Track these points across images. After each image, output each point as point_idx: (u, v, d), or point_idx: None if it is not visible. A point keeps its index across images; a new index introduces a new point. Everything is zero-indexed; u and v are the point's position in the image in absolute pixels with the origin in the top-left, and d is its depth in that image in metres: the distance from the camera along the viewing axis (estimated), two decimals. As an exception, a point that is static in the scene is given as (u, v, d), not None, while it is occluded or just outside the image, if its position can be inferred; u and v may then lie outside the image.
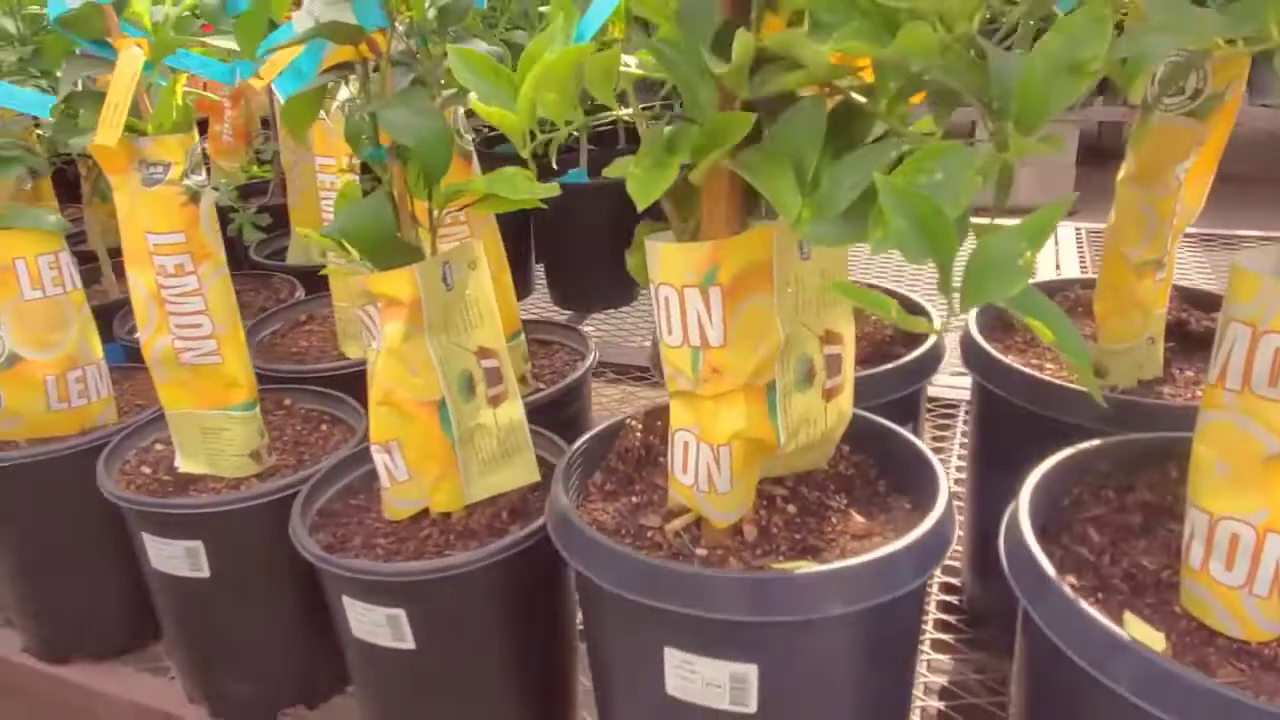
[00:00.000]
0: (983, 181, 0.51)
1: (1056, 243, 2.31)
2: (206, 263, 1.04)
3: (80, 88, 1.06)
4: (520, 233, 2.33)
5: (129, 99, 0.92)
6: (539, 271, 2.40)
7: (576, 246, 2.25)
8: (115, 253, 1.68)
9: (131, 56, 0.93)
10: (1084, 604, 0.63)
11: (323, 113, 1.35)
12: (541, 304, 2.36)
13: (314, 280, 1.68)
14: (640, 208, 0.64)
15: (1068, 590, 0.64)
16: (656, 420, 0.98)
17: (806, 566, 0.75)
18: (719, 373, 0.75)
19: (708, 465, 0.78)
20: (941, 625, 1.21)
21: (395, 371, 0.92)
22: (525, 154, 0.63)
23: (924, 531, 0.71)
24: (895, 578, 0.69)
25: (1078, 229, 2.41)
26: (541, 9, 1.88)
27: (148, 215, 1.00)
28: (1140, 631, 0.67)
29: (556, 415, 1.21)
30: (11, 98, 1.04)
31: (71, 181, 1.90)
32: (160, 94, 0.96)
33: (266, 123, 2.30)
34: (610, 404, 1.81)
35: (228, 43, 1.03)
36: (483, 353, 0.97)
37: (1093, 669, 0.60)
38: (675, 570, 0.72)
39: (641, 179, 0.65)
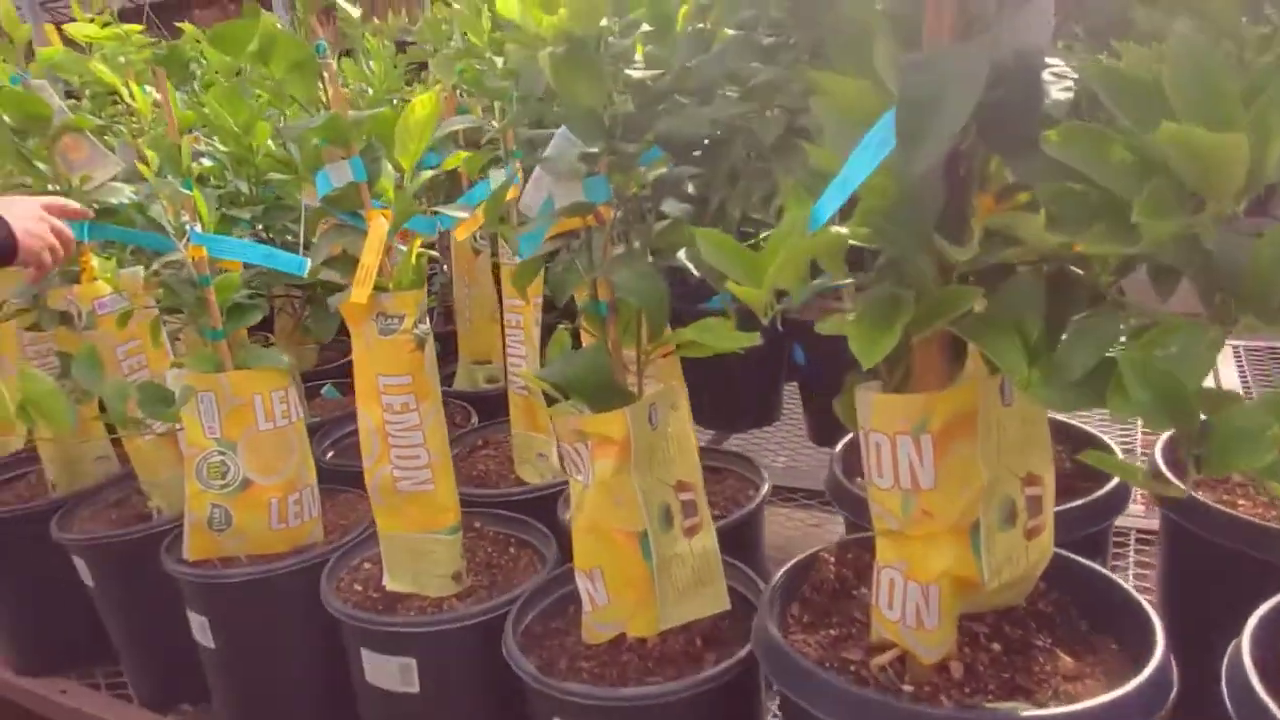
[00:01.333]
0: (1215, 359, 0.55)
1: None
2: (427, 401, 1.15)
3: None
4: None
5: (377, 262, 1.06)
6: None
7: (721, 367, 2.31)
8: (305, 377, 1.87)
9: (380, 226, 1.07)
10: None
11: (509, 258, 1.49)
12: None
13: (485, 406, 1.80)
14: (865, 367, 0.71)
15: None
16: (848, 553, 1.02)
17: (1023, 708, 0.77)
18: (929, 514, 0.80)
19: (916, 602, 0.82)
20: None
21: (603, 504, 1.00)
22: (765, 320, 0.71)
23: (1148, 677, 0.72)
24: (1121, 724, 0.71)
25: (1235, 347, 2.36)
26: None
27: (381, 360, 1.12)
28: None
29: (732, 543, 1.25)
30: (273, 259, 1.20)
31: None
32: (401, 257, 1.10)
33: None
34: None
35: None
36: (681, 486, 1.04)
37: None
38: (898, 707, 0.75)
39: (865, 340, 0.71)
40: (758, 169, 0.88)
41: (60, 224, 1.21)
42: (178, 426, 1.25)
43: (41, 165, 1.39)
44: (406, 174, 1.12)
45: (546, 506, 1.37)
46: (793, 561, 0.98)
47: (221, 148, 1.64)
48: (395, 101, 2.27)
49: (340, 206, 1.08)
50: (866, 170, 0.66)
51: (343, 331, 1.71)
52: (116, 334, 1.44)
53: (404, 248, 1.12)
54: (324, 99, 1.09)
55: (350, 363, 2.26)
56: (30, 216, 1.15)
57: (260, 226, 1.64)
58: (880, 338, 0.71)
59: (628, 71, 0.93)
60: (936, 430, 0.77)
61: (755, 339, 0.95)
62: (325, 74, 1.04)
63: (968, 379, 0.80)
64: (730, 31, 1.00)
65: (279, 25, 1.04)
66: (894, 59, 0.67)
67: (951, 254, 0.64)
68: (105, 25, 2.20)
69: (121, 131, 1.80)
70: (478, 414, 1.82)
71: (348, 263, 1.10)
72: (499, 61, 1.39)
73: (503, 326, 1.51)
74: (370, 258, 1.05)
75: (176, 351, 1.58)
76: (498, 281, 1.90)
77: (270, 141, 1.63)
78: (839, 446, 1.34)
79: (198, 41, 2.33)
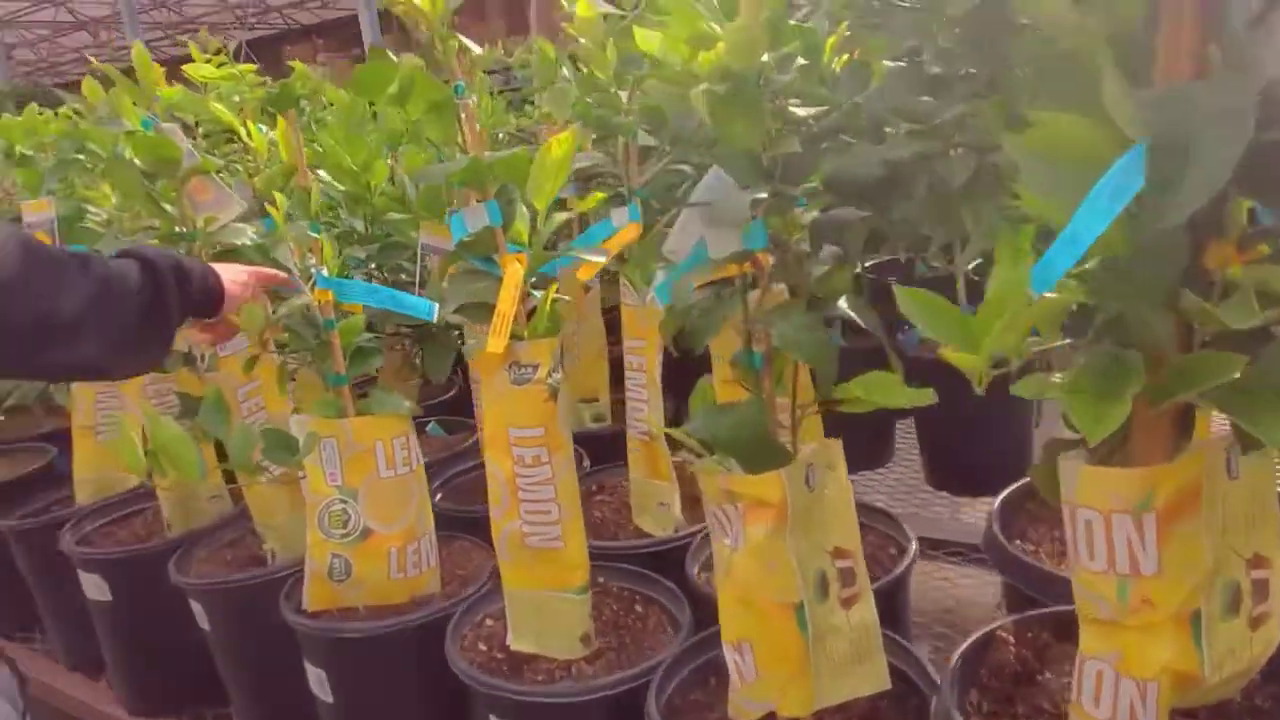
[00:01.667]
0: None
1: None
2: (560, 454, 1.10)
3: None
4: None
5: (514, 310, 1.01)
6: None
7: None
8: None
9: (515, 272, 1.03)
10: None
11: (633, 299, 1.44)
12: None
13: (594, 447, 1.75)
14: (1092, 442, 0.63)
15: None
16: (1027, 632, 0.93)
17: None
18: (1149, 603, 0.70)
19: (1130, 700, 0.72)
20: None
21: (754, 571, 0.93)
22: (980, 389, 0.63)
23: None
24: None
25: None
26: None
27: (513, 411, 1.08)
28: None
29: (878, 610, 1.17)
30: (400, 303, 1.17)
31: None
32: (539, 303, 1.05)
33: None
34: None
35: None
36: (838, 553, 0.96)
37: None
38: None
39: (1089, 412, 0.63)
40: (938, 213, 0.81)
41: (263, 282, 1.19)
42: (300, 475, 1.23)
43: (169, 207, 1.39)
44: (540, 216, 1.08)
45: (673, 560, 1.30)
46: (968, 642, 0.89)
47: (338, 186, 1.63)
48: (501, 136, 2.26)
49: (473, 251, 1.04)
50: (1101, 224, 0.58)
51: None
52: (238, 376, 1.43)
53: (538, 293, 1.07)
54: (460, 140, 1.05)
55: (454, 399, 2.28)
56: (238, 279, 1.12)
57: (373, 265, 1.63)
58: (1109, 409, 0.63)
59: (791, 109, 0.86)
60: (1160, 508, 0.68)
61: (930, 397, 0.87)
62: (463, 114, 1.01)
63: (1194, 450, 0.71)
64: (888, 63, 0.94)
65: (418, 68, 1.00)
66: (1128, 94, 0.59)
67: (1219, 315, 0.56)
68: (220, 65, 2.25)
69: (238, 170, 1.81)
70: (588, 456, 1.76)
71: (479, 309, 1.06)
72: (623, 96, 1.34)
73: (623, 368, 1.46)
74: (507, 306, 1.01)
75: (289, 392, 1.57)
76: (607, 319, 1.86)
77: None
78: (997, 502, 1.24)
79: (305, 79, 2.36)
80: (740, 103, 0.84)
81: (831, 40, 0.97)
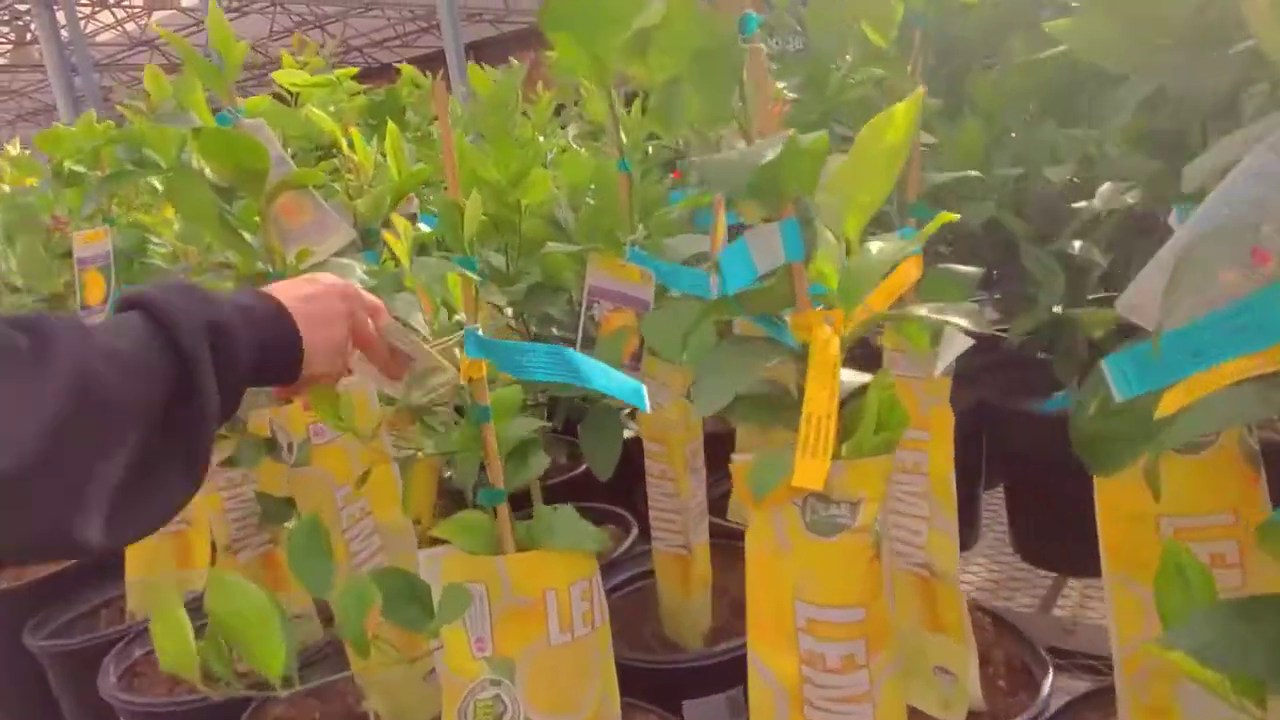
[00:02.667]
0: None
1: None
2: (883, 653, 0.64)
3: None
4: (968, 457, 1.85)
5: (836, 405, 0.57)
6: (992, 510, 1.90)
7: (1056, 487, 1.73)
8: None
9: (830, 346, 0.59)
10: None
11: (909, 366, 0.99)
12: (998, 556, 1.84)
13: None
14: None
15: None
16: None
17: None
18: None
19: None
20: None
21: None
22: None
23: None
24: None
25: None
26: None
27: (810, 576, 0.63)
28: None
29: None
30: (608, 383, 0.74)
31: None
32: (859, 394, 0.61)
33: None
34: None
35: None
36: None
37: None
38: None
39: None
40: None
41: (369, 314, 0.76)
42: (434, 645, 0.80)
43: (249, 236, 0.99)
44: (852, 245, 0.64)
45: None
46: None
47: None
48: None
49: (756, 306, 0.61)
50: None
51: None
52: (337, 472, 1.02)
53: (854, 376, 0.63)
54: (738, 111, 0.62)
55: (579, 478, 1.76)
56: (329, 318, 0.70)
57: (513, 315, 1.21)
58: None
59: None
60: None
61: None
62: (750, 68, 0.58)
63: None
64: None
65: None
66: None
67: None
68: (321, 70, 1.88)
69: (335, 191, 1.43)
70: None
71: (754, 403, 0.62)
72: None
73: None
74: (826, 403, 0.57)
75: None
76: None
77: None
78: None
79: (416, 86, 1.99)
80: None
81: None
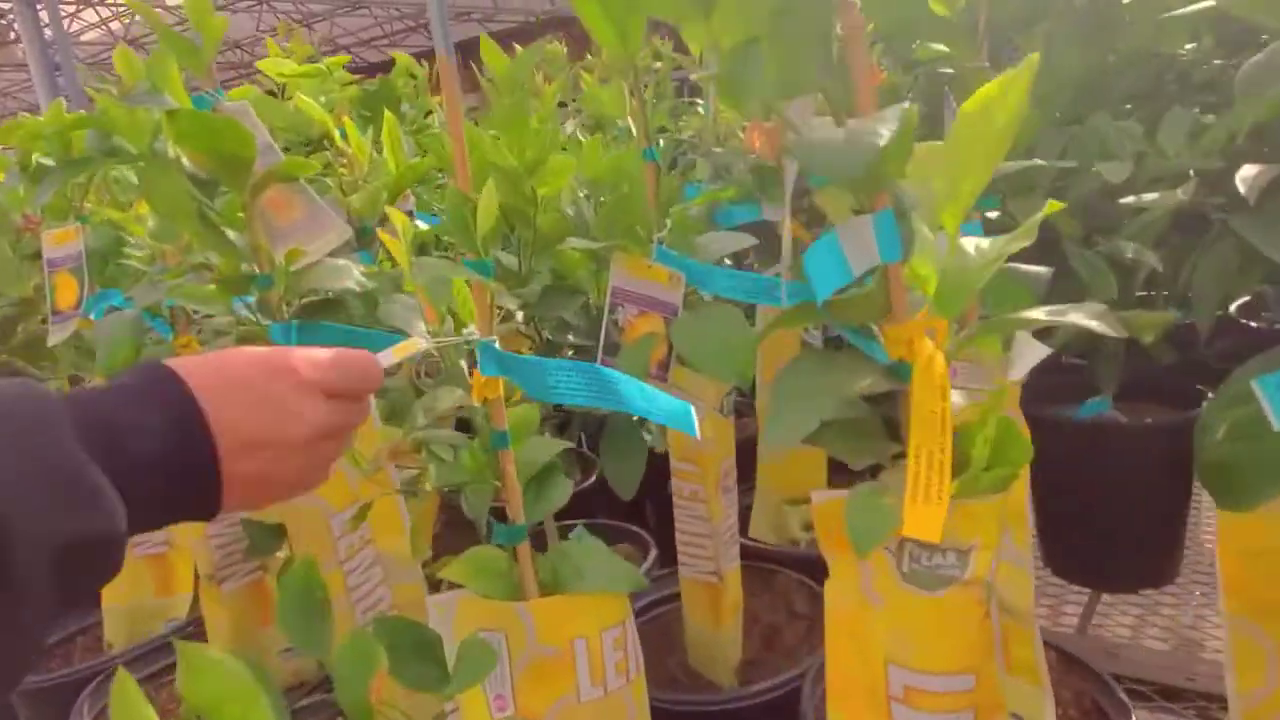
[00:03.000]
0: None
1: None
2: (995, 724, 0.54)
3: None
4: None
5: (949, 438, 0.46)
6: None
7: (1093, 498, 1.64)
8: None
9: (937, 364, 0.48)
10: None
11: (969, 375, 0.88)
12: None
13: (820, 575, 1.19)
14: None
15: None
16: None
17: None
18: None
19: None
20: None
21: None
22: None
23: None
24: None
25: None
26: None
27: (908, 636, 0.53)
28: None
29: None
30: (653, 404, 0.63)
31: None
32: (964, 418, 0.50)
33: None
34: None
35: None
36: None
37: None
38: None
39: None
40: None
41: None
42: (449, 708, 0.69)
43: (233, 234, 0.88)
44: (952, 242, 0.53)
45: None
46: None
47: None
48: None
49: (848, 315, 0.50)
50: None
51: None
52: (332, 497, 0.91)
53: (955, 397, 0.52)
54: (823, 80, 0.51)
55: (593, 490, 1.64)
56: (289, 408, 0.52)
57: (524, 319, 1.09)
58: None
59: None
60: None
61: None
62: (846, 20, 0.47)
63: None
64: None
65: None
66: None
67: None
68: (307, 60, 1.77)
69: (329, 186, 1.32)
70: (803, 589, 1.21)
71: (841, 430, 0.51)
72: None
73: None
74: (939, 435, 0.46)
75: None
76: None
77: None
78: None
79: (411, 76, 1.88)
80: None
81: None
